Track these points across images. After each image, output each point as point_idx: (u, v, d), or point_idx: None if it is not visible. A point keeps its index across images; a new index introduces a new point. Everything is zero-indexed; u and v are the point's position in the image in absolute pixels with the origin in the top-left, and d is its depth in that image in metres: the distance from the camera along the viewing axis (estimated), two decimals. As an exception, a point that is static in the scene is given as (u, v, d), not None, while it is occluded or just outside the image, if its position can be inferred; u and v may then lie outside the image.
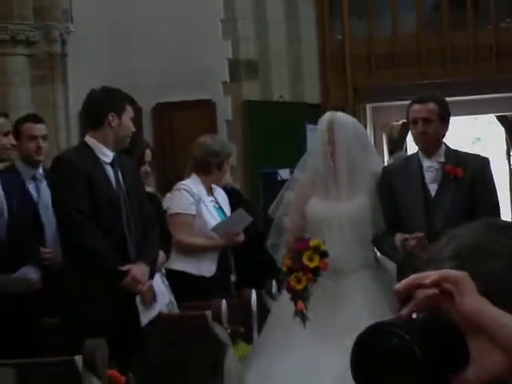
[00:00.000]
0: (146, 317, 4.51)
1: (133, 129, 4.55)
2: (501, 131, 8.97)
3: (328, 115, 4.72)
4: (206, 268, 5.35)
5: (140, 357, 4.39)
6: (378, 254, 4.89)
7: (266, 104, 7.87)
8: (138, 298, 4.34)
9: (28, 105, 7.51)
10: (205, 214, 5.29)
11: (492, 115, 9.10)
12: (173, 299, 4.95)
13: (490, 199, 4.64)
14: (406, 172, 4.75)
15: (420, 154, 4.68)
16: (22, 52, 7.63)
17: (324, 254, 4.37)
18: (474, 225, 1.45)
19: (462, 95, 7.70)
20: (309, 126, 7.51)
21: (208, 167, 5.26)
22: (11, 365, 3.82)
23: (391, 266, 4.82)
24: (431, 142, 4.62)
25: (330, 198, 4.71)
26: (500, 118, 8.65)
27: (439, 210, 4.63)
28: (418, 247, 4.39)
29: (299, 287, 4.34)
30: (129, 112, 4.54)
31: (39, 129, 4.95)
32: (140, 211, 4.39)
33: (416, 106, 4.59)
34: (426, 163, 4.66)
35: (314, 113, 7.53)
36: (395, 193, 4.73)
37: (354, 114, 7.51)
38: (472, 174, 4.60)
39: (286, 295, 4.54)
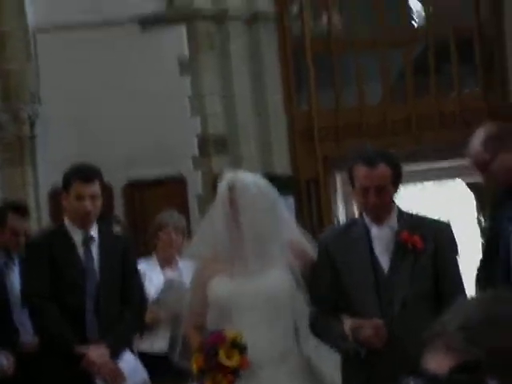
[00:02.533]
0: None
1: (81, 206, 4.46)
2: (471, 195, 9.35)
3: (228, 177, 4.04)
4: (159, 345, 5.33)
5: None
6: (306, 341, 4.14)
7: (237, 178, 8.07)
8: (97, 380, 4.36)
9: (-2, 186, 7.83)
10: (148, 289, 5.19)
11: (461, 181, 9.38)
12: (147, 378, 4.86)
13: (457, 275, 3.99)
14: (350, 242, 3.98)
15: (366, 218, 3.95)
16: (-10, 135, 7.99)
17: (243, 350, 3.72)
18: (480, 296, 1.55)
19: (429, 162, 8.04)
20: (280, 199, 7.60)
21: (152, 241, 5.37)
22: None
23: (325, 357, 4.15)
24: (384, 210, 3.90)
25: (237, 276, 3.97)
26: (469, 185, 8.95)
27: (395, 289, 3.90)
28: (375, 337, 3.73)
29: None
30: (75, 188, 4.49)
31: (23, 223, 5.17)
32: (117, 291, 4.38)
33: (364, 171, 3.85)
34: (374, 231, 3.92)
35: (285, 185, 7.72)
36: (336, 268, 3.98)
37: (325, 184, 7.81)
38: (433, 243, 3.88)
39: None
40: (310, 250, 4.05)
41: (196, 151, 7.99)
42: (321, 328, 3.98)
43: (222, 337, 3.72)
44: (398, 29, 8.75)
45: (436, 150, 8.08)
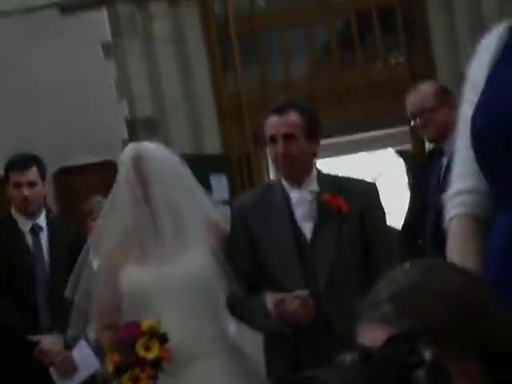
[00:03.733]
0: None
1: (19, 194, 4.60)
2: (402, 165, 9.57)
3: (131, 149, 3.64)
4: None
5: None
6: (234, 326, 3.85)
7: (167, 160, 8.15)
8: (52, 369, 4.37)
9: None
10: None
11: (391, 150, 9.58)
12: (99, 367, 4.79)
13: (387, 239, 3.74)
14: (267, 208, 3.65)
15: (284, 182, 3.64)
16: None
17: (164, 339, 3.34)
18: (410, 266, 1.51)
19: (357, 133, 8.20)
20: (213, 177, 7.83)
21: (80, 228, 5.35)
22: None
23: (250, 342, 3.84)
24: (298, 165, 3.60)
25: (151, 260, 3.56)
26: (399, 153, 9.19)
27: (319, 260, 3.57)
28: (302, 310, 3.39)
29: None
30: (12, 177, 4.70)
31: None
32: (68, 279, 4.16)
33: (273, 119, 3.56)
34: (294, 195, 3.60)
35: (217, 164, 7.99)
36: (255, 239, 3.65)
37: (256, 160, 7.92)
38: (359, 205, 3.59)
39: None
40: (221, 223, 3.75)
41: (125, 135, 7.97)
42: (240, 308, 3.63)
43: (138, 328, 3.33)
44: (321, 1, 8.79)
45: (365, 120, 8.22)
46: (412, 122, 4.97)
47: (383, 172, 10.70)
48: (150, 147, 3.63)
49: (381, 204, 3.68)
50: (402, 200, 7.27)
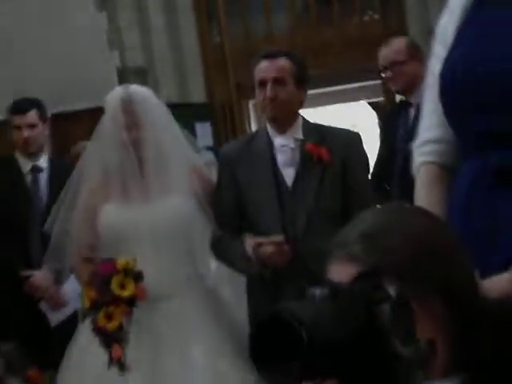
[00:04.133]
0: (54, 319, 4.58)
1: (19, 136, 4.67)
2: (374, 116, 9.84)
3: (120, 89, 3.59)
4: None
5: (54, 356, 4.12)
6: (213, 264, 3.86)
7: (156, 107, 8.47)
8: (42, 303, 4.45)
9: None
10: None
11: (365, 102, 9.86)
12: None
13: (366, 192, 3.65)
14: (252, 154, 3.65)
15: (269, 128, 3.62)
16: None
17: (139, 277, 3.33)
18: (379, 209, 1.60)
19: (334, 85, 8.52)
20: (198, 125, 8.14)
21: None
22: None
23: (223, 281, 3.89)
24: (284, 110, 3.57)
25: (133, 200, 3.55)
26: (372, 105, 9.51)
27: (299, 205, 3.57)
28: (277, 254, 3.41)
29: (112, 326, 3.30)
30: (13, 120, 4.76)
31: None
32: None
33: (263, 63, 3.56)
34: (277, 141, 3.61)
35: (201, 112, 8.26)
36: (239, 184, 3.65)
37: (239, 109, 8.31)
38: (341, 155, 3.57)
39: (84, 339, 3.53)
40: (203, 168, 3.74)
41: (116, 83, 8.26)
42: (222, 249, 3.63)
43: (114, 265, 3.30)
44: None
45: (340, 73, 8.52)
46: (383, 75, 5.02)
47: (357, 123, 10.89)
48: (140, 90, 3.58)
49: (364, 154, 3.65)
50: (374, 150, 7.65)
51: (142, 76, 8.31)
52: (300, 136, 3.54)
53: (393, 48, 5.05)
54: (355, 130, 3.86)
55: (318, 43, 8.53)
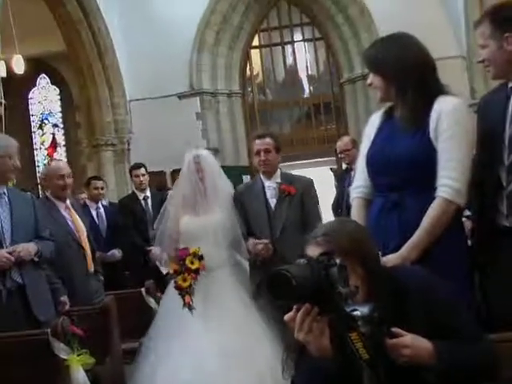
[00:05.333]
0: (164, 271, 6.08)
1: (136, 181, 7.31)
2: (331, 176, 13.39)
3: (192, 152, 5.07)
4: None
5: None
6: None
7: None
8: None
9: None
10: None
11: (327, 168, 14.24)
12: None
13: (316, 211, 5.10)
14: (253, 191, 5.10)
15: (262, 176, 5.07)
16: None
17: (201, 258, 4.76)
18: (334, 220, 2.72)
19: (313, 159, 13.91)
20: (244, 176, 11.27)
21: None
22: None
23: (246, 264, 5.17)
24: (271, 166, 5.01)
25: (199, 212, 5.01)
26: (331, 170, 13.11)
27: (277, 220, 5.00)
28: (264, 250, 4.90)
29: (185, 285, 4.67)
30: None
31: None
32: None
33: (257, 141, 5.04)
34: (267, 183, 5.04)
35: (246, 170, 12.06)
36: (246, 207, 5.09)
37: None
38: (300, 191, 5.02)
39: (171, 291, 4.87)
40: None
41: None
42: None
43: (187, 251, 4.78)
44: (296, 96, 14.05)
45: (312, 154, 12.87)
46: (339, 155, 7.32)
47: (323, 179, 11.85)
48: (203, 152, 5.18)
49: (314, 191, 5.21)
50: (331, 192, 8.99)
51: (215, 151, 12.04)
52: (279, 180, 5.09)
53: (343, 141, 7.27)
54: (309, 178, 5.31)
55: (304, 139, 13.89)
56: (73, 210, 5.67)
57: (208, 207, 5.08)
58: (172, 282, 4.93)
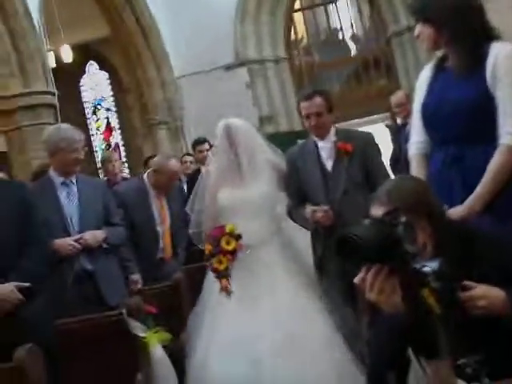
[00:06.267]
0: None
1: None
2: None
3: (222, 124, 4.65)
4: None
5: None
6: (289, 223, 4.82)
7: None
8: None
9: None
10: None
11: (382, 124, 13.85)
12: None
13: (382, 167, 4.66)
14: (305, 153, 4.68)
15: (315, 138, 4.65)
16: None
17: (238, 237, 4.35)
18: (395, 178, 2.78)
19: (367, 116, 13.84)
20: (299, 141, 9.24)
21: None
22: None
23: (297, 234, 4.81)
24: (324, 130, 4.58)
25: (236, 186, 4.65)
26: (386, 125, 10.82)
27: (337, 182, 4.58)
28: (325, 217, 4.47)
29: (221, 268, 4.32)
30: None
31: None
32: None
33: (305, 103, 4.52)
34: (320, 144, 4.63)
35: (301, 134, 8.76)
36: (299, 172, 4.68)
37: None
38: (360, 148, 4.56)
39: (211, 274, 4.48)
40: (281, 164, 4.81)
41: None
42: (293, 214, 4.73)
43: (222, 230, 4.38)
44: (346, 55, 14.16)
45: (366, 111, 13.07)
46: (394, 110, 7.37)
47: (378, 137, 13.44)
48: (234, 121, 4.71)
49: (376, 145, 4.69)
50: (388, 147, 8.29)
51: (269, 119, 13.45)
52: (334, 138, 4.63)
53: (398, 96, 7.31)
54: (369, 132, 4.87)
55: (356, 96, 13.76)
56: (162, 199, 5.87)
57: (247, 180, 4.70)
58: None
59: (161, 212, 5.91)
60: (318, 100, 4.56)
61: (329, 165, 4.66)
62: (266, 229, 4.70)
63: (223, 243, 4.34)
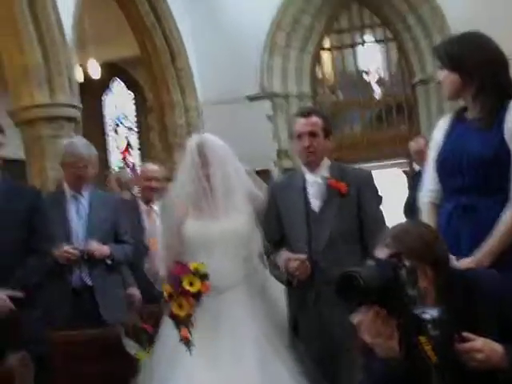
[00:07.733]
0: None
1: None
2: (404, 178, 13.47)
3: (196, 139, 4.09)
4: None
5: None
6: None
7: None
8: None
9: None
10: None
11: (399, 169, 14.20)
12: None
13: (378, 214, 4.09)
14: (291, 187, 4.13)
15: (304, 168, 4.09)
16: None
17: (205, 277, 3.81)
18: (404, 222, 2.60)
19: (385, 161, 13.91)
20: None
21: None
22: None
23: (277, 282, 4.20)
24: (316, 157, 4.02)
25: (205, 218, 4.08)
26: (404, 171, 13.71)
27: (322, 228, 3.99)
28: (301, 269, 3.90)
29: (182, 314, 3.74)
30: None
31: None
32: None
33: (301, 120, 4.03)
34: (309, 178, 4.06)
35: None
36: (280, 208, 4.14)
37: None
38: (356, 189, 4.01)
39: (168, 321, 3.89)
40: (259, 196, 4.22)
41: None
42: (268, 260, 4.17)
43: (186, 267, 3.82)
44: (368, 97, 14.02)
45: (386, 155, 13.12)
46: (413, 157, 7.81)
47: (393, 180, 13.28)
48: (210, 137, 4.14)
49: (374, 187, 4.11)
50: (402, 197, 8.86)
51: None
52: (326, 174, 4.06)
53: (418, 143, 7.65)
54: (367, 170, 4.26)
55: (376, 139, 13.48)
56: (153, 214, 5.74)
57: (220, 210, 4.13)
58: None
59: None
60: (314, 119, 4.10)
61: (316, 205, 4.12)
62: (239, 270, 4.16)
63: (185, 284, 3.79)
